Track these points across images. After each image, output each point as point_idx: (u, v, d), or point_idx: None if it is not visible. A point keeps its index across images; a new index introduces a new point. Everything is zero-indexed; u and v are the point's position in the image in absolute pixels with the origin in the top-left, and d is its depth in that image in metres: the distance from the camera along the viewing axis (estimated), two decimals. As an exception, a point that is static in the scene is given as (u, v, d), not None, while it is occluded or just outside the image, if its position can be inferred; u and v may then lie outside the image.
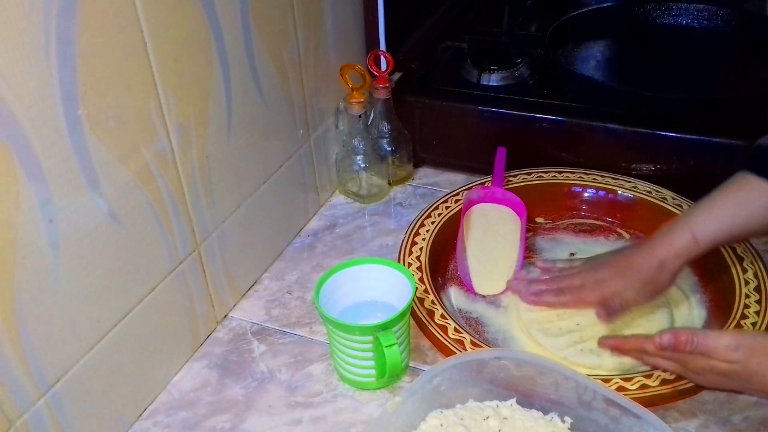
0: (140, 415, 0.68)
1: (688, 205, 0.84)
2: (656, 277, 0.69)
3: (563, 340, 0.72)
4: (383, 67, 0.94)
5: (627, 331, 0.73)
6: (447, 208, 0.88)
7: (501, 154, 0.90)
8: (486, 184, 0.89)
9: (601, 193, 0.90)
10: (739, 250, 0.78)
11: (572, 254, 0.85)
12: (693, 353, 0.61)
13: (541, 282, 0.78)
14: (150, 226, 0.65)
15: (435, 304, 0.74)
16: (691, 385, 0.65)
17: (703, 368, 0.61)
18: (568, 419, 0.60)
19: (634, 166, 0.91)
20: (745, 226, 0.68)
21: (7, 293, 0.51)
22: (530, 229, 0.89)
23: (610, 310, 0.71)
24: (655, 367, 0.66)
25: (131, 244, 0.62)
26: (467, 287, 0.81)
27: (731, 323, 0.70)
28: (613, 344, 0.69)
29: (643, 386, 0.65)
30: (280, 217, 0.87)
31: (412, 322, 0.74)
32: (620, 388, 0.64)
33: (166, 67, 0.62)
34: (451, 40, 1.09)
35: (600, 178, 0.91)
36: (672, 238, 0.68)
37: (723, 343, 0.59)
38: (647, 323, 0.74)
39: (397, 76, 1.01)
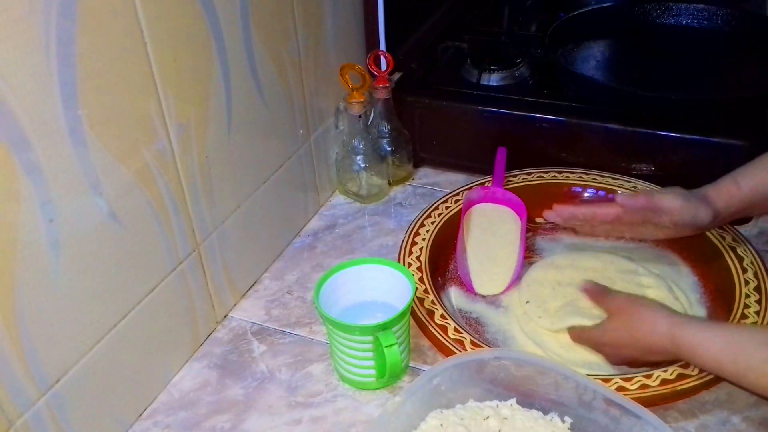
0: (140, 415, 0.68)
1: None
2: (710, 226, 0.74)
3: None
4: (383, 67, 0.94)
5: None
6: (447, 208, 0.88)
7: (501, 154, 0.90)
8: (486, 184, 0.89)
9: (601, 193, 0.90)
10: (739, 250, 0.78)
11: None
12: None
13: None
14: (150, 226, 0.65)
15: (435, 304, 0.74)
16: (691, 385, 0.65)
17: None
18: (568, 419, 0.60)
19: (634, 166, 0.91)
20: None
21: (7, 293, 0.51)
22: (530, 229, 0.89)
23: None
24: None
25: (131, 244, 0.62)
26: (467, 287, 0.81)
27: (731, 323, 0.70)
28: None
29: (643, 386, 0.64)
30: (280, 217, 0.87)
31: (412, 322, 0.74)
32: (620, 388, 0.64)
33: (166, 67, 0.62)
34: (451, 40, 1.09)
35: (600, 178, 0.91)
36: (718, 186, 0.72)
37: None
38: None
39: (397, 76, 1.01)
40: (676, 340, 0.61)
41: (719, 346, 0.59)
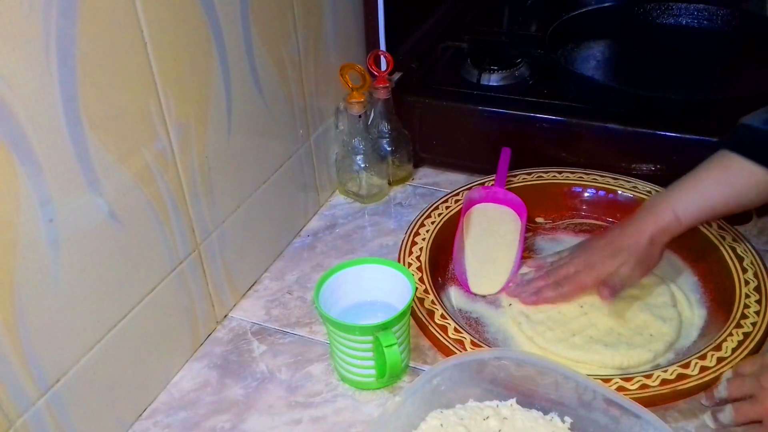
0: (140, 415, 0.68)
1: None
2: (647, 253, 0.71)
3: (553, 334, 0.73)
4: (383, 67, 0.94)
5: (632, 324, 0.74)
6: (447, 208, 0.88)
7: (505, 154, 0.90)
8: (486, 184, 0.89)
9: (601, 193, 0.90)
10: (739, 250, 0.78)
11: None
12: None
13: (536, 279, 0.78)
14: (150, 226, 0.65)
15: (435, 304, 0.74)
16: (691, 385, 0.65)
17: None
18: (568, 419, 0.60)
19: (634, 166, 0.91)
20: (726, 205, 0.70)
21: (7, 293, 0.51)
22: (530, 229, 0.89)
23: (611, 289, 0.72)
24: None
25: (131, 244, 0.62)
26: (463, 286, 0.81)
27: (731, 323, 0.70)
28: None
29: (643, 386, 0.64)
30: (280, 217, 0.87)
31: (412, 322, 0.74)
32: (620, 388, 0.64)
33: (166, 67, 0.62)
34: (451, 40, 1.09)
35: (600, 178, 0.91)
36: (656, 217, 0.71)
37: None
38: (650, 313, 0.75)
39: (397, 76, 1.01)
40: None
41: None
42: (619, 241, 0.73)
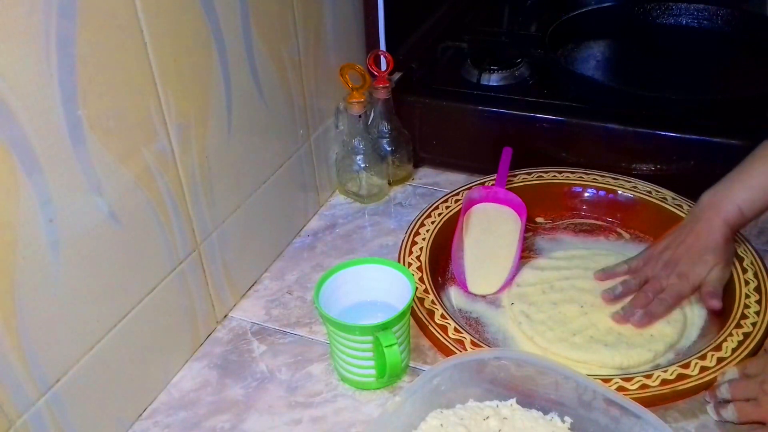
0: (140, 415, 0.68)
1: (689, 206, 0.84)
2: (727, 250, 0.74)
3: (553, 334, 0.73)
4: (383, 67, 0.94)
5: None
6: (447, 207, 0.88)
7: (507, 154, 0.90)
8: (486, 184, 0.89)
9: (601, 193, 0.90)
10: (739, 250, 0.78)
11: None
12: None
13: (636, 299, 0.75)
14: (150, 226, 0.65)
15: (435, 304, 0.74)
16: (691, 385, 0.65)
17: None
18: (568, 419, 0.60)
19: (634, 166, 0.91)
20: None
21: (7, 293, 0.51)
22: (530, 229, 0.89)
23: (718, 298, 0.73)
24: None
25: (131, 244, 0.62)
26: (461, 285, 0.81)
27: (731, 323, 0.70)
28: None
29: (643, 386, 0.65)
30: (280, 217, 0.87)
31: (412, 322, 0.74)
32: (620, 388, 0.64)
33: (166, 67, 0.62)
34: (451, 40, 1.09)
35: (600, 178, 0.91)
36: (723, 214, 0.73)
37: None
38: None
39: (397, 76, 1.01)
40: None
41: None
42: (699, 244, 0.74)
